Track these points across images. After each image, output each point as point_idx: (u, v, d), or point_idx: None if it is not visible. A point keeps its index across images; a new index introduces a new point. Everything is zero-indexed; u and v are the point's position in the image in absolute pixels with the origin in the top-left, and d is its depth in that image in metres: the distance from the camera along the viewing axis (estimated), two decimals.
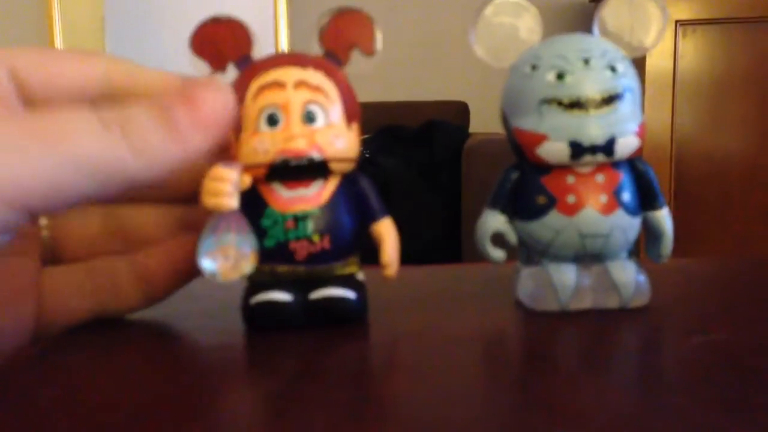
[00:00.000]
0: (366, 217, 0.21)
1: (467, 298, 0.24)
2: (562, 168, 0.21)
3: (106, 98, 0.19)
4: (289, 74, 0.20)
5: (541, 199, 0.21)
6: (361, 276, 0.22)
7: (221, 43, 0.20)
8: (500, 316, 0.22)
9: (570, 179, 0.21)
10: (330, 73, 0.20)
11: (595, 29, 0.22)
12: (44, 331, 0.21)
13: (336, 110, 0.20)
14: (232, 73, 0.21)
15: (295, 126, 0.19)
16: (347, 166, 0.21)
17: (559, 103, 0.21)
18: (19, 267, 0.20)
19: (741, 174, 1.19)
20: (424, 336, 0.20)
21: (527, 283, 0.22)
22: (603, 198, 0.21)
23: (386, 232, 0.21)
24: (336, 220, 0.20)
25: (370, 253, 0.21)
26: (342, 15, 0.21)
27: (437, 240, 1.18)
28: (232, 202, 0.19)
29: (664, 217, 0.22)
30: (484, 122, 1.41)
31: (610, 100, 0.21)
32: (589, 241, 0.21)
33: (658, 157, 1.17)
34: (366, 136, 1.26)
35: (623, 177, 0.21)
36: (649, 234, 0.23)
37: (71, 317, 0.21)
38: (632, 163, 0.22)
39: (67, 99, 0.19)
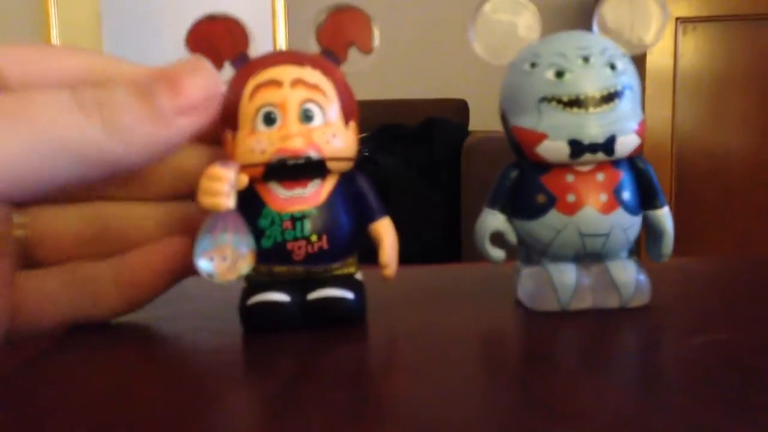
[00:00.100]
0: (364, 217, 0.21)
1: (467, 297, 0.24)
2: (562, 167, 0.21)
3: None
4: (286, 72, 0.20)
5: (541, 198, 0.21)
6: (359, 276, 0.21)
7: (217, 41, 0.20)
8: (500, 315, 0.22)
9: (570, 178, 0.21)
10: (327, 72, 0.20)
11: (595, 26, 0.22)
12: (18, 336, 0.20)
13: (333, 109, 0.20)
14: (228, 71, 0.20)
15: (293, 125, 0.19)
16: (345, 166, 0.20)
17: (559, 102, 0.20)
18: None
19: (742, 171, 1.19)
20: (423, 336, 0.20)
21: (527, 282, 0.22)
22: (603, 197, 0.21)
23: (385, 231, 0.21)
24: (334, 220, 0.20)
25: (369, 253, 0.21)
26: (339, 12, 0.21)
27: (437, 239, 1.18)
28: (229, 201, 0.19)
29: (664, 215, 0.22)
30: (483, 120, 1.41)
31: (609, 98, 0.20)
32: (589, 241, 0.21)
33: (659, 154, 1.17)
34: (365, 134, 1.26)
35: (623, 175, 0.21)
36: (650, 233, 0.23)
37: (48, 322, 0.21)
38: (632, 162, 0.22)
39: None
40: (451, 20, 1.43)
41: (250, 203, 0.20)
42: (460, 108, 1.42)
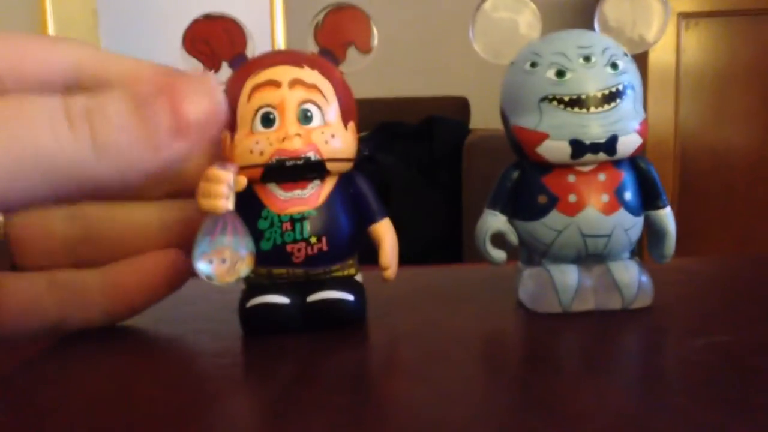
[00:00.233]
0: (364, 218, 0.21)
1: (467, 298, 0.24)
2: (563, 167, 0.21)
3: (77, 88, 0.17)
4: (285, 73, 0.19)
5: (542, 199, 0.21)
6: (359, 277, 0.21)
7: (214, 41, 0.20)
8: (501, 317, 0.22)
9: (571, 178, 0.21)
10: (326, 72, 0.20)
11: (596, 24, 0.22)
12: (1, 336, 0.20)
13: (332, 109, 0.20)
14: (226, 71, 0.20)
15: (291, 126, 0.19)
16: (344, 166, 0.20)
17: (560, 101, 0.20)
18: None
19: (745, 168, 1.19)
20: (423, 337, 0.20)
21: (528, 283, 0.22)
22: (604, 197, 0.21)
23: (385, 233, 0.21)
24: (334, 222, 0.20)
25: (369, 253, 0.21)
26: (338, 11, 0.21)
27: (437, 238, 1.18)
28: (228, 203, 0.19)
29: (666, 216, 0.22)
30: (484, 118, 1.40)
31: (611, 97, 0.20)
32: (591, 241, 0.21)
33: (662, 151, 1.17)
34: (364, 133, 1.26)
35: (625, 176, 0.21)
36: (652, 233, 0.22)
37: (33, 324, 0.20)
38: (634, 162, 0.22)
39: (37, 88, 0.16)
40: (452, 16, 1.42)
41: (249, 205, 0.20)
42: (461, 105, 1.42)
